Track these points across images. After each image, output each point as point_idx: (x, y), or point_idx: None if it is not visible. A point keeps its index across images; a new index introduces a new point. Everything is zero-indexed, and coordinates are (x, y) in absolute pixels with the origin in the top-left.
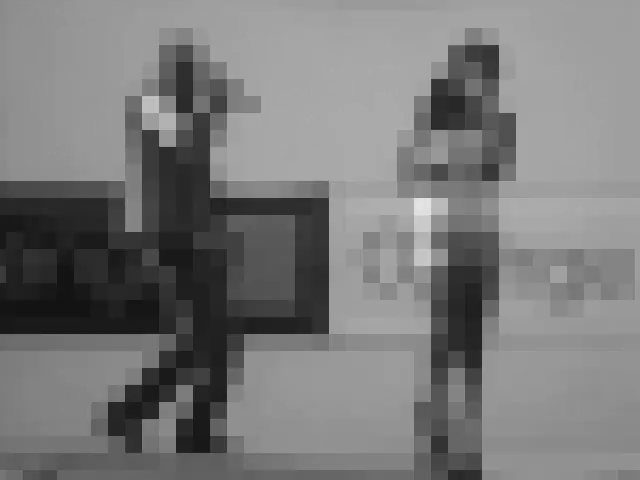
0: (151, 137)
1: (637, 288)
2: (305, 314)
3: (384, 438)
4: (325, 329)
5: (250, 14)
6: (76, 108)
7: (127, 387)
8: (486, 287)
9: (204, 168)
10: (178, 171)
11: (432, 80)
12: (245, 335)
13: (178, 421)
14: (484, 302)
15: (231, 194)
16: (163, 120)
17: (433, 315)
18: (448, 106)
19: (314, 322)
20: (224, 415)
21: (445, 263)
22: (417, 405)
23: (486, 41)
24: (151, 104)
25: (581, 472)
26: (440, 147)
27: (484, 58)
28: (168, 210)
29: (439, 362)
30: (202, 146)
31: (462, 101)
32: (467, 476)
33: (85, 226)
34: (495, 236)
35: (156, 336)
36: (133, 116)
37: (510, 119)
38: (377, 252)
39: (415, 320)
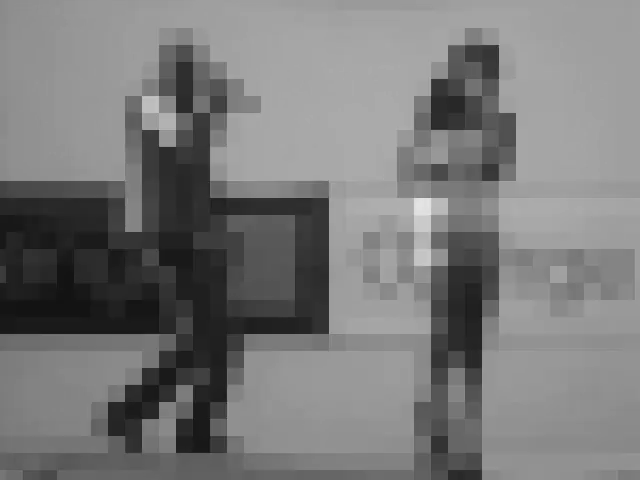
0: (151, 137)
1: (637, 288)
2: (305, 314)
3: (384, 438)
4: (325, 329)
5: (250, 14)
6: (76, 108)
7: (127, 387)
8: (486, 287)
9: (204, 168)
10: (178, 171)
11: (432, 80)
12: (245, 335)
13: (178, 421)
14: (484, 302)
15: (231, 194)
16: (163, 120)
17: (433, 315)
18: (448, 106)
19: (314, 322)
20: (224, 415)
21: (445, 263)
22: (417, 405)
23: (486, 41)
24: (151, 104)
25: (581, 472)
26: (440, 147)
27: (484, 58)
28: (168, 210)
29: (439, 362)
30: (202, 146)
31: (462, 101)
32: (467, 476)
33: (85, 226)
34: (495, 236)
35: (156, 336)
36: (133, 116)
37: (510, 119)
38: (377, 252)
39: (415, 320)
